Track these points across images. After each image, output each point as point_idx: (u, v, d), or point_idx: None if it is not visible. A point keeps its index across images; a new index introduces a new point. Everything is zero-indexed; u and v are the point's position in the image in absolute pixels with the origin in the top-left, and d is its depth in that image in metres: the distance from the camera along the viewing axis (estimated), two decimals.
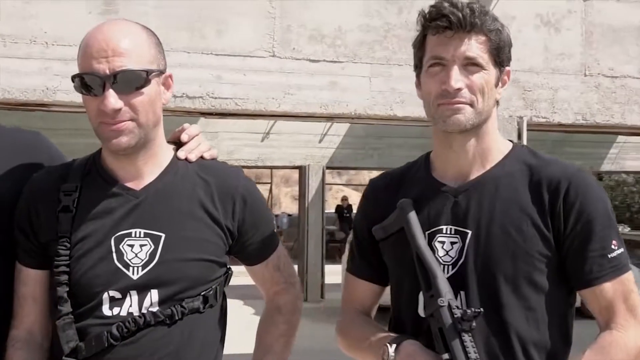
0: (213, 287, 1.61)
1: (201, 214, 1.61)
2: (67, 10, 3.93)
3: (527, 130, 4.68)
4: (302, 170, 12.19)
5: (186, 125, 1.76)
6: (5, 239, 1.62)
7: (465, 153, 1.59)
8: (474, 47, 1.52)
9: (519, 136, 4.53)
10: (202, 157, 1.70)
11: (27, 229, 1.60)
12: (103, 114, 1.51)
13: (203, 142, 1.73)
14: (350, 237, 1.84)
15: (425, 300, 1.52)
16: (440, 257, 1.54)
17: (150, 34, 1.60)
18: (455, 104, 1.52)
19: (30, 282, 1.61)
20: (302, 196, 12.34)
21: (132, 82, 1.51)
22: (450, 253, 1.54)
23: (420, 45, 1.60)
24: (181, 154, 1.68)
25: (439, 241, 1.56)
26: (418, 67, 1.63)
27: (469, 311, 1.42)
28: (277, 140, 11.54)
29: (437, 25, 1.52)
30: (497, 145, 1.63)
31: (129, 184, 1.60)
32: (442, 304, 1.46)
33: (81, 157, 1.69)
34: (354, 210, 23.63)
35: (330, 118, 4.51)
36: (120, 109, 1.50)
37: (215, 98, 4.10)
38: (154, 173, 1.62)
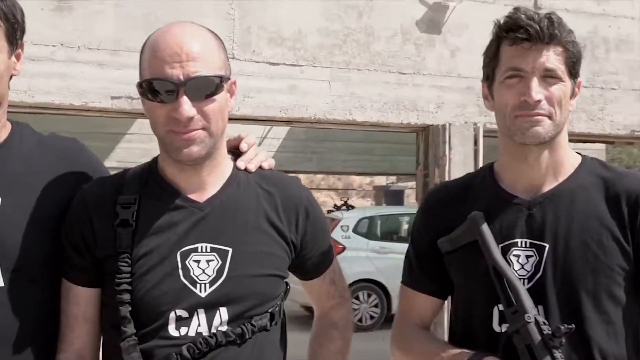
0: (277, 303, 1.54)
1: (267, 226, 1.54)
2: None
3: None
4: None
5: (243, 134, 1.70)
6: (52, 254, 1.52)
7: (539, 165, 1.59)
8: (553, 58, 1.52)
9: (475, 142, 4.58)
10: (260, 167, 1.64)
11: (80, 244, 1.49)
12: (174, 122, 1.42)
13: (260, 151, 1.68)
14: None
15: (507, 315, 1.49)
16: (516, 271, 1.52)
17: (217, 38, 1.52)
18: (534, 116, 1.51)
19: (82, 301, 1.50)
20: None
21: (205, 88, 1.43)
22: (525, 267, 1.52)
23: (494, 56, 1.59)
24: (241, 163, 1.60)
25: (514, 255, 1.54)
26: (489, 78, 1.62)
27: (562, 327, 1.41)
28: None
29: (515, 36, 1.51)
30: (569, 158, 1.63)
31: (192, 196, 1.52)
32: (529, 320, 1.44)
33: (134, 167, 1.59)
34: None
35: (290, 122, 4.45)
36: (192, 117, 1.42)
37: None
38: (216, 184, 1.54)
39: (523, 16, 1.51)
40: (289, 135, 11.87)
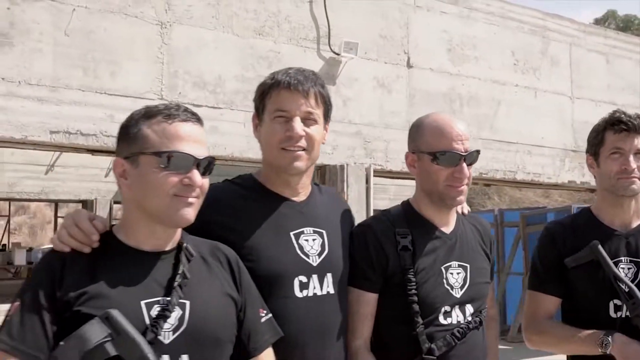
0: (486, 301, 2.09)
1: (480, 250, 2.14)
2: None
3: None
4: (86, 204, 11.75)
5: None
6: (347, 270, 1.96)
7: (629, 209, 2.29)
8: (638, 142, 2.23)
9: (367, 181, 5.15)
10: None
11: (376, 263, 1.97)
12: (454, 180, 1.98)
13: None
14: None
15: (628, 306, 2.12)
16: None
17: None
18: (632, 178, 2.22)
19: (371, 303, 1.98)
20: None
21: (473, 159, 2.01)
22: (628, 275, 2.20)
23: (601, 139, 2.27)
24: (458, 208, 2.15)
25: (620, 267, 2.21)
26: (596, 153, 2.29)
27: None
28: (63, 173, 11.06)
29: (619, 127, 2.21)
30: None
31: (443, 229, 2.07)
32: None
33: (392, 208, 2.09)
34: None
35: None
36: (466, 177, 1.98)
37: (108, 136, 4.12)
38: (452, 222, 2.10)
39: (623, 115, 2.22)
40: None
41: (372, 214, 5.10)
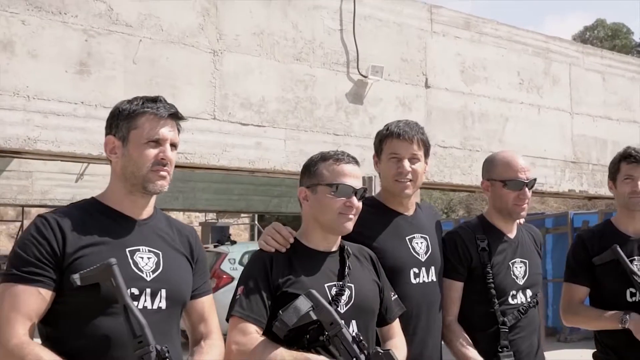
0: None
1: (535, 250, 2.68)
2: (47, 68, 4.17)
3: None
4: None
5: None
6: (443, 265, 2.50)
7: None
8: None
9: None
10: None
11: (463, 260, 2.53)
12: (521, 200, 2.54)
13: None
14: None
15: None
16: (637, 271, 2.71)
17: None
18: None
19: (459, 289, 2.55)
20: None
21: (532, 185, 2.54)
22: (638, 271, 2.72)
23: (617, 168, 2.82)
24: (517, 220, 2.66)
25: (634, 264, 2.74)
26: (614, 179, 2.84)
27: None
28: (92, 181, 11.47)
29: (630, 160, 2.77)
30: None
31: (508, 235, 2.61)
32: None
33: (469, 222, 2.62)
34: None
35: (255, 172, 5.17)
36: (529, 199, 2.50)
37: None
38: (514, 230, 2.64)
39: (633, 151, 2.77)
40: None
41: None
